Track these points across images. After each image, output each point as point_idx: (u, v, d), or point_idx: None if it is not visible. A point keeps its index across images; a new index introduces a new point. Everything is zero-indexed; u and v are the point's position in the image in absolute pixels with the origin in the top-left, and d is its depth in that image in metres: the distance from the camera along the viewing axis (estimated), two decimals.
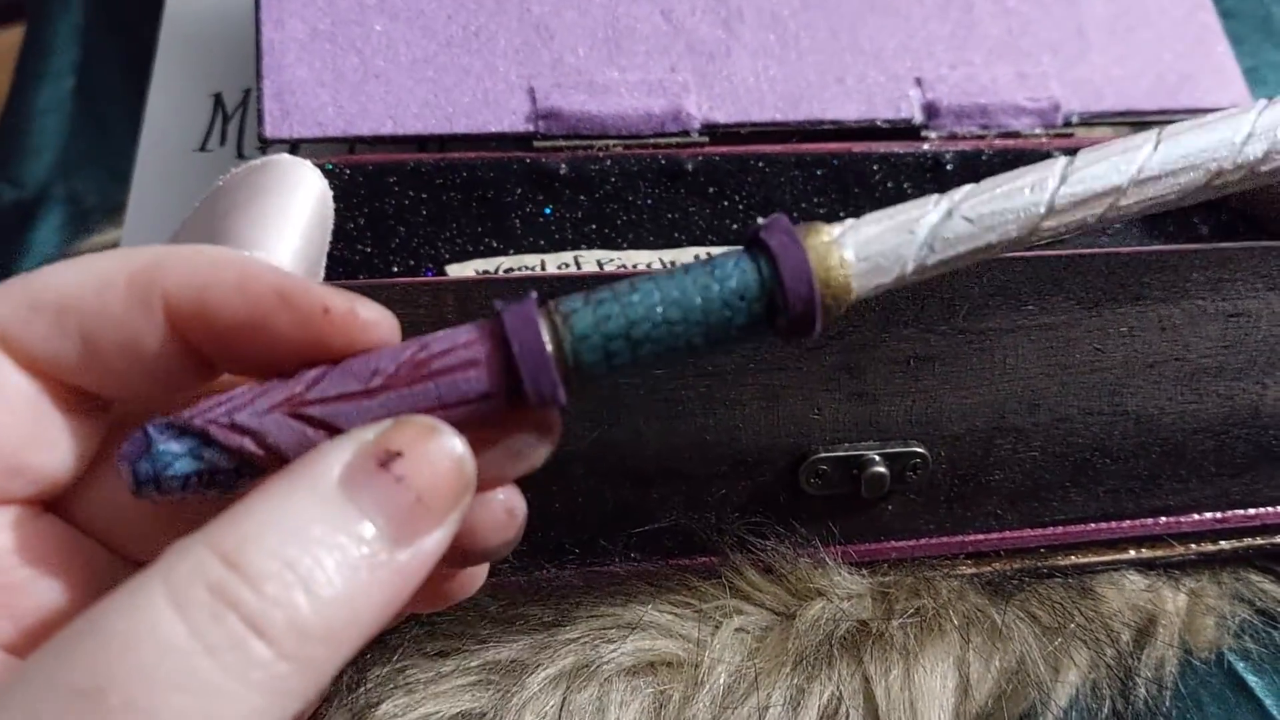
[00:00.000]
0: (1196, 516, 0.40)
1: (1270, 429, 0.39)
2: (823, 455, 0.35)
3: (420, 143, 0.44)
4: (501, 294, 0.32)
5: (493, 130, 0.42)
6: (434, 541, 0.20)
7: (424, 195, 0.42)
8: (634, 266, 0.43)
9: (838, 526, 0.37)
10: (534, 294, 0.23)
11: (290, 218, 0.37)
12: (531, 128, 0.42)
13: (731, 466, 0.35)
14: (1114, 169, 0.26)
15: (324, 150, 0.43)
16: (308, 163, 0.40)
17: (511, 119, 0.42)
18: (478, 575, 0.26)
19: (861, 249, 0.25)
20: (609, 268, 0.43)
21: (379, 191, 0.41)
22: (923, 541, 0.38)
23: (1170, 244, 0.46)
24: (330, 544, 0.19)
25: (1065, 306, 0.35)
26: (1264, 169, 0.26)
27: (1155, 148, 0.26)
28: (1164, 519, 0.40)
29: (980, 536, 0.39)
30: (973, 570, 0.39)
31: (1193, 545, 0.41)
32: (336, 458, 0.20)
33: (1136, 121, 0.48)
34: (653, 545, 0.35)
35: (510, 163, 0.42)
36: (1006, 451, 0.37)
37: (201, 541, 0.18)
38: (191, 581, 0.18)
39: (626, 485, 0.35)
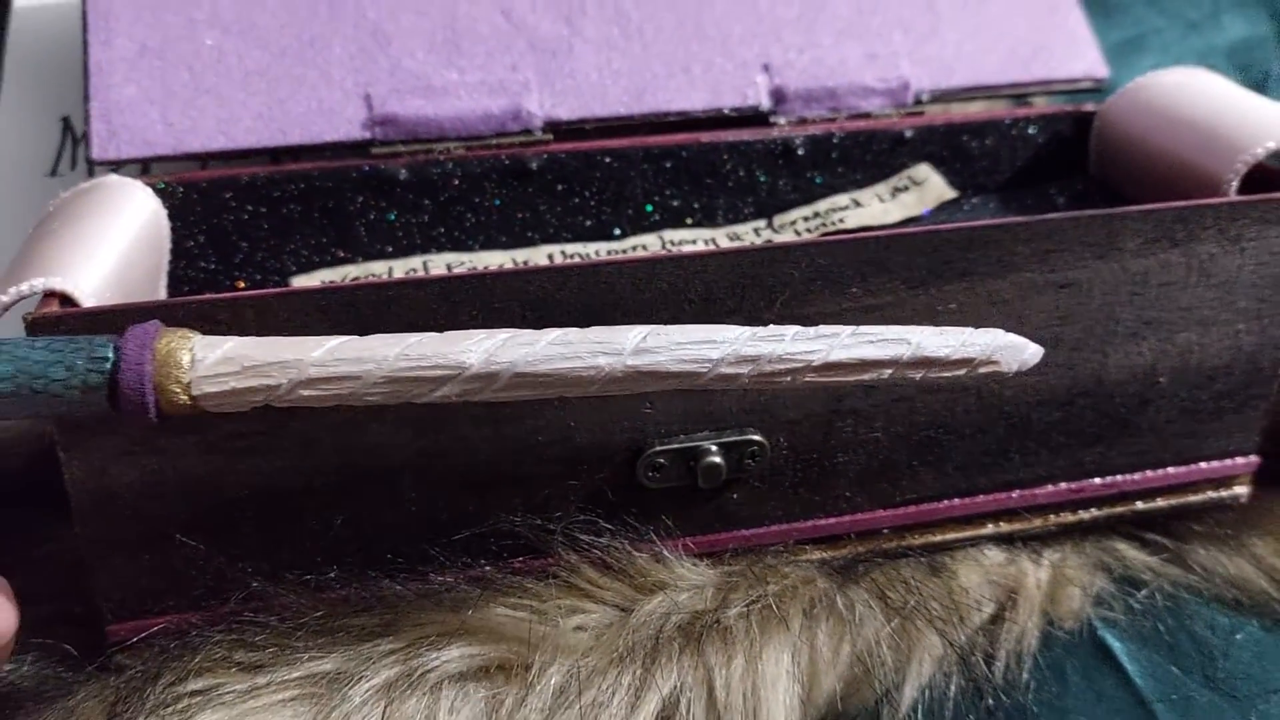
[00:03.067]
0: (1051, 488, 0.40)
1: (1116, 397, 0.39)
2: (658, 449, 0.35)
3: (272, 155, 0.44)
4: (300, 307, 0.31)
5: (328, 139, 0.42)
6: None
7: (263, 209, 0.41)
8: (485, 268, 0.43)
9: (682, 519, 0.37)
10: None
11: (111, 239, 0.36)
12: (368, 134, 0.42)
13: (567, 466, 0.35)
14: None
15: (177, 168, 0.43)
16: (136, 182, 0.40)
17: (347, 127, 0.42)
18: None
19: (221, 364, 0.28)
20: (459, 270, 0.42)
21: (216, 208, 0.41)
22: (770, 529, 0.38)
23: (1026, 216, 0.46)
24: None
25: (891, 287, 0.35)
26: None
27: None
28: (1017, 492, 0.40)
29: (830, 520, 0.39)
30: (824, 555, 0.39)
31: (1051, 517, 0.41)
32: None
33: (989, 96, 0.48)
34: (488, 550, 0.35)
35: (348, 171, 0.42)
36: (848, 434, 0.37)
37: None
38: None
39: (460, 492, 0.35)
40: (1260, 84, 0.67)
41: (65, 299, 0.31)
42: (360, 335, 0.30)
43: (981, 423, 0.38)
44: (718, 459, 0.35)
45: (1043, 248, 0.36)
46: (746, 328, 0.29)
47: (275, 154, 0.43)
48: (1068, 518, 0.41)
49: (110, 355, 0.27)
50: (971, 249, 0.35)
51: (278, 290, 0.31)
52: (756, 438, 0.36)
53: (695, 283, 0.34)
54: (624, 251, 0.44)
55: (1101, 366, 0.38)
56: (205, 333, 0.29)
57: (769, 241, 0.34)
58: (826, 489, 0.38)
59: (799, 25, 0.47)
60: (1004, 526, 0.40)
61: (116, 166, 0.41)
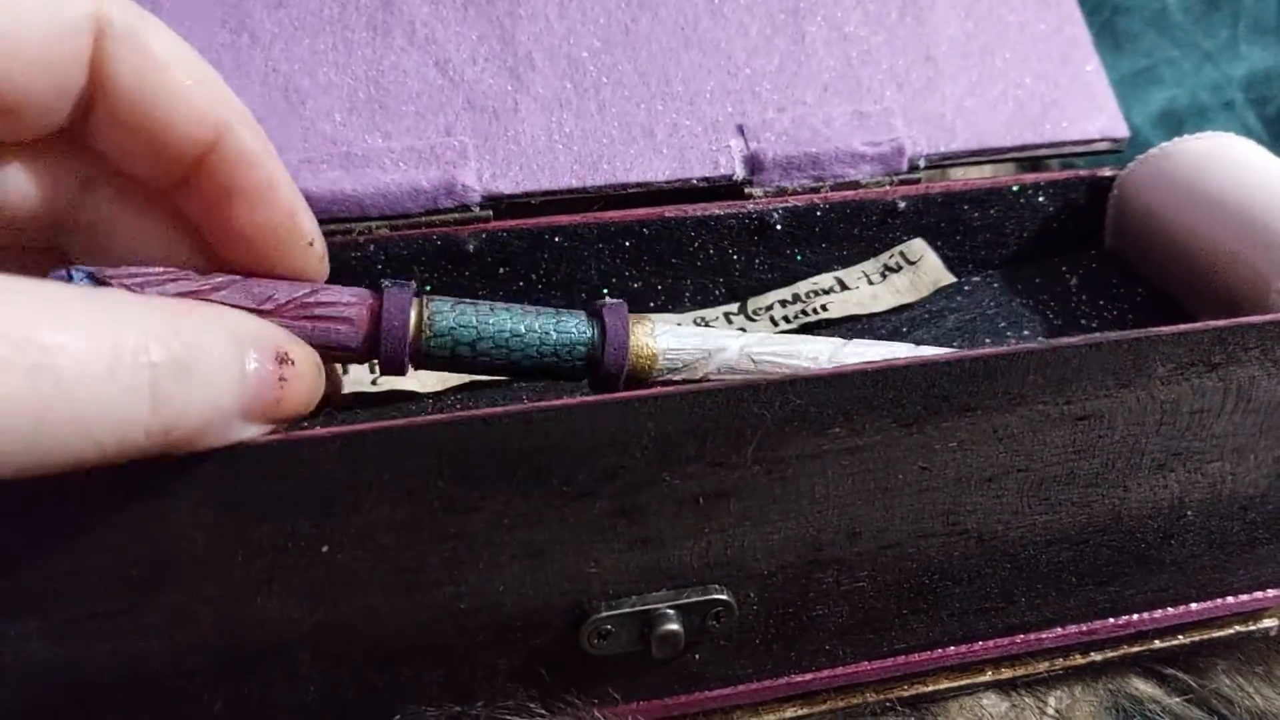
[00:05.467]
0: (1060, 630, 0.35)
1: (1137, 532, 0.34)
2: (605, 614, 0.30)
3: None
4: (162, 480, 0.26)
5: None
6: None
7: None
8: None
9: (633, 684, 0.32)
10: (413, 284, 0.29)
11: None
12: None
13: (496, 634, 0.30)
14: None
15: None
16: None
17: None
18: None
19: (669, 346, 0.32)
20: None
21: None
22: (739, 689, 0.33)
23: (1032, 298, 0.41)
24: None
25: (879, 426, 0.30)
26: None
27: None
28: (1021, 636, 0.35)
29: (808, 676, 0.33)
30: (801, 712, 0.34)
31: (1058, 660, 0.36)
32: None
33: (994, 160, 0.42)
34: None
35: None
36: (829, 584, 0.32)
37: None
38: None
39: (368, 668, 0.29)
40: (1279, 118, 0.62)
41: None
42: (238, 502, 0.25)
43: (982, 566, 0.33)
44: (675, 625, 0.30)
45: (1058, 376, 0.31)
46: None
47: None
48: (1077, 660, 0.36)
49: (589, 330, 0.31)
50: (975, 382, 0.30)
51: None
52: (722, 596, 0.31)
53: (647, 426, 0.28)
54: None
55: (1121, 502, 0.33)
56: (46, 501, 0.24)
57: (735, 379, 0.29)
58: (803, 643, 0.33)
59: (778, 79, 0.41)
60: (1005, 673, 0.35)
61: None
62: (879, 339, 0.38)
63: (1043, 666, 0.36)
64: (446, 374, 0.37)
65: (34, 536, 0.25)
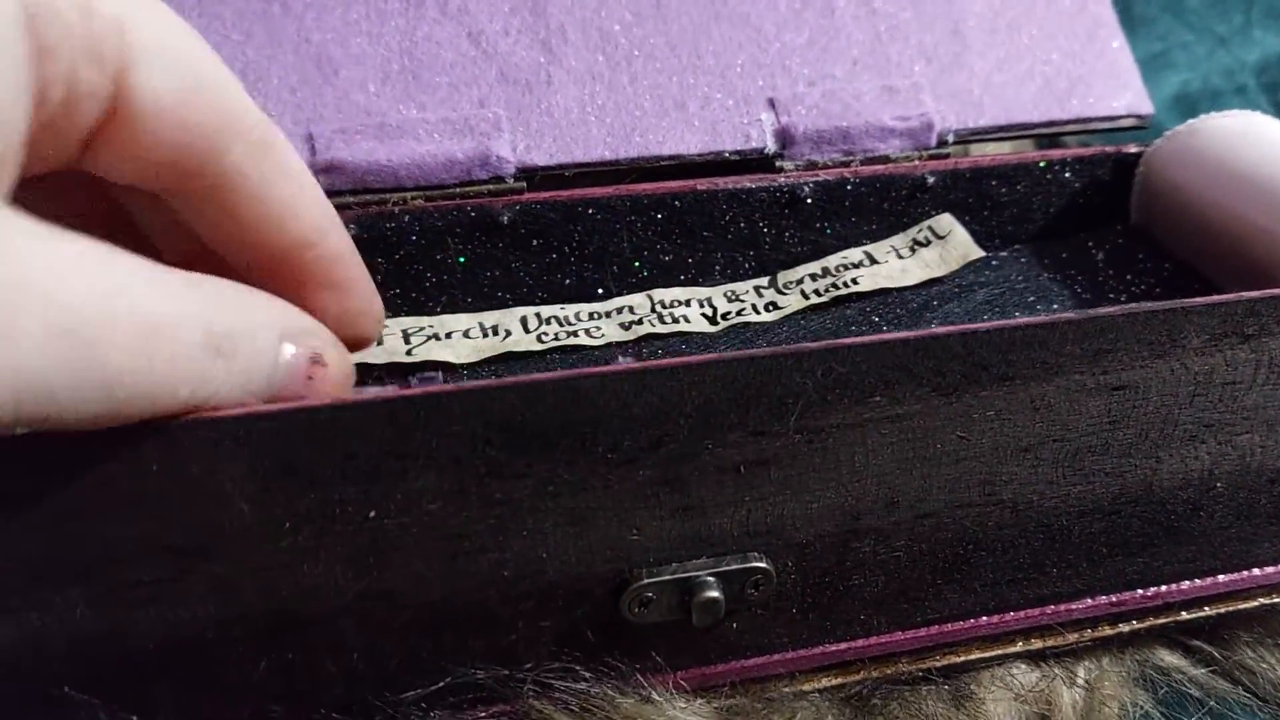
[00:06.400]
0: (1090, 601, 0.35)
1: (1168, 503, 0.34)
2: (647, 581, 0.30)
3: None
4: (210, 438, 0.26)
5: None
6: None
7: None
8: (448, 335, 0.37)
9: (673, 652, 0.32)
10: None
11: None
12: None
13: (539, 602, 0.30)
14: None
15: None
16: None
17: None
18: None
19: None
20: (418, 339, 0.37)
21: None
22: (775, 658, 0.33)
23: (1060, 273, 0.41)
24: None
25: (919, 394, 0.30)
26: None
27: None
28: (1052, 607, 0.35)
29: (842, 646, 0.34)
30: (835, 682, 0.34)
31: (1088, 631, 0.36)
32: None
33: (1020, 135, 0.42)
34: (446, 702, 0.30)
35: None
36: (865, 554, 0.32)
37: None
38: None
39: (412, 635, 0.29)
40: None
41: None
42: (287, 469, 0.25)
43: (1016, 537, 0.33)
44: (716, 593, 0.30)
45: (1095, 347, 0.31)
46: None
47: None
48: (1106, 631, 0.36)
49: None
50: (1013, 351, 0.30)
51: (185, 419, 0.26)
52: (761, 565, 0.31)
53: (691, 395, 0.28)
54: (608, 314, 0.38)
55: (1153, 473, 0.33)
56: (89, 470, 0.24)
57: (778, 348, 0.29)
58: (839, 613, 0.33)
59: (809, 53, 0.41)
60: (1035, 643, 0.36)
61: None
62: (910, 312, 0.39)
63: (1072, 637, 0.36)
64: (481, 344, 0.37)
65: (77, 505, 0.25)
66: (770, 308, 0.39)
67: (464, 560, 0.29)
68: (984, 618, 0.35)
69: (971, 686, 0.35)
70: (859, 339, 0.29)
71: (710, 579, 0.30)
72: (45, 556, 0.26)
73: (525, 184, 0.38)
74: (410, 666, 0.30)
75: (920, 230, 0.41)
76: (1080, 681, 0.36)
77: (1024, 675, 0.36)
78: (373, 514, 0.27)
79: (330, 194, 0.36)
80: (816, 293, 0.39)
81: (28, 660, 0.27)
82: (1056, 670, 0.36)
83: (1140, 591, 0.36)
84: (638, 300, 0.39)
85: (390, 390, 0.27)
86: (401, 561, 0.28)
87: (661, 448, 0.29)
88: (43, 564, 0.26)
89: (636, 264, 0.39)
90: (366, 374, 0.36)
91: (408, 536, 0.28)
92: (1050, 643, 0.36)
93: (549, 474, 0.28)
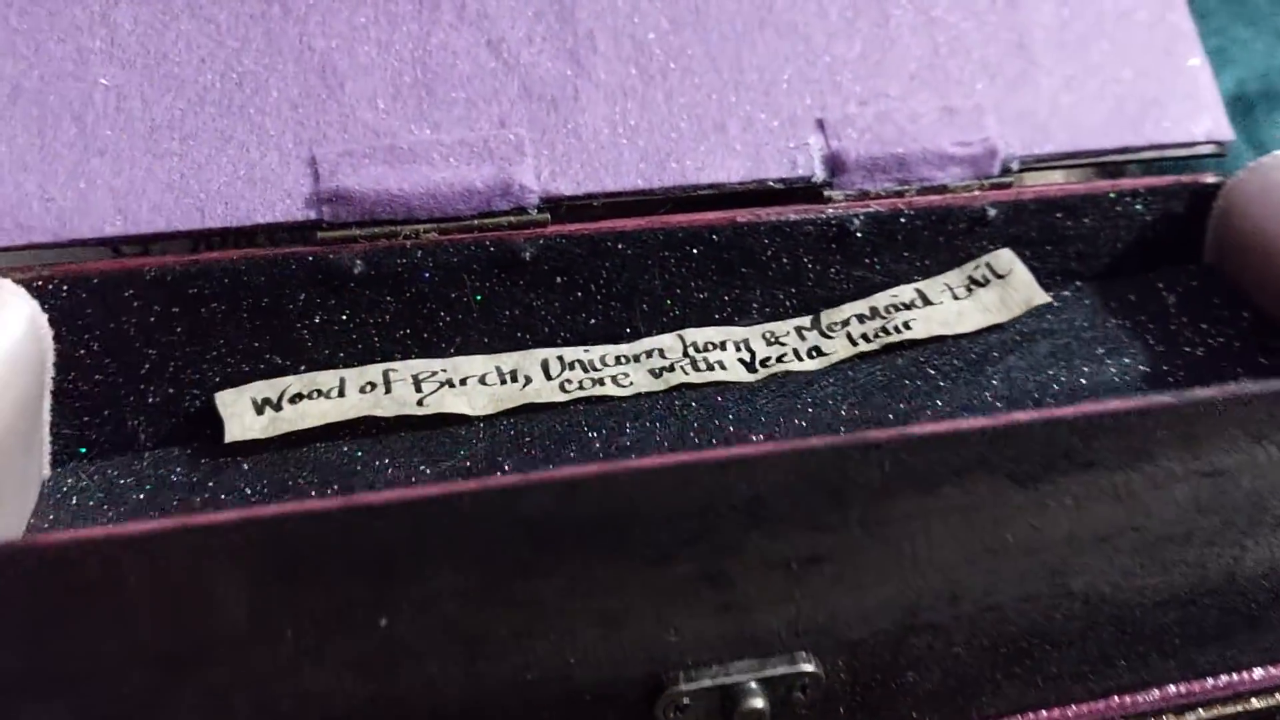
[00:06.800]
0: (1157, 693, 0.33)
1: (1249, 592, 0.31)
2: (684, 687, 0.27)
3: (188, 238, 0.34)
4: (200, 548, 0.22)
5: (261, 221, 0.32)
6: None
7: (175, 309, 0.32)
8: (462, 381, 0.34)
9: None
10: None
11: None
12: (313, 214, 0.33)
13: (564, 706, 0.27)
14: None
15: (59, 256, 0.33)
16: (7, 281, 0.31)
17: (286, 204, 0.32)
18: None
19: None
20: (429, 386, 0.33)
21: (114, 309, 0.32)
22: None
23: (1128, 318, 0.37)
24: None
25: (992, 484, 0.27)
26: None
27: None
28: (1117, 699, 0.32)
29: None
30: None
31: None
32: None
33: (1089, 163, 0.39)
34: None
35: (286, 262, 0.32)
36: (922, 650, 0.29)
37: None
38: None
39: None
40: None
41: None
42: (288, 573, 0.22)
43: (1084, 629, 0.30)
44: (760, 702, 0.27)
45: (1188, 433, 0.28)
46: None
47: (191, 238, 0.33)
48: None
49: None
50: (1100, 437, 0.27)
51: (165, 524, 0.22)
52: (809, 669, 0.28)
53: (741, 488, 0.25)
54: (636, 358, 0.35)
55: (1236, 562, 0.30)
56: (72, 579, 0.21)
57: (841, 437, 0.25)
58: (889, 712, 0.30)
59: (861, 68, 0.37)
60: None
61: None
62: (968, 364, 0.35)
63: None
64: (499, 393, 0.34)
65: (56, 614, 0.22)
66: (814, 353, 0.36)
67: (483, 664, 0.26)
68: (1043, 711, 0.32)
69: None
70: (932, 427, 0.26)
71: (754, 685, 0.27)
72: (25, 668, 0.23)
73: (549, 215, 0.34)
74: None
75: (978, 267, 0.37)
76: None
77: None
78: (384, 619, 0.24)
79: (335, 226, 0.32)
80: (865, 337, 0.36)
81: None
82: None
83: (1210, 682, 0.33)
84: (668, 342, 0.36)
85: (405, 491, 0.24)
86: (415, 666, 0.25)
87: (702, 542, 0.26)
88: (22, 675, 0.23)
89: (668, 302, 0.36)
90: (375, 426, 0.33)
91: (422, 639, 0.25)
92: None
93: (579, 572, 0.25)
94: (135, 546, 0.22)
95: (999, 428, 0.26)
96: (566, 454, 0.32)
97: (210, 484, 0.32)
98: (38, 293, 0.31)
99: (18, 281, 0.31)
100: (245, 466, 0.32)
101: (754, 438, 0.33)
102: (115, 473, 0.32)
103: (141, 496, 0.31)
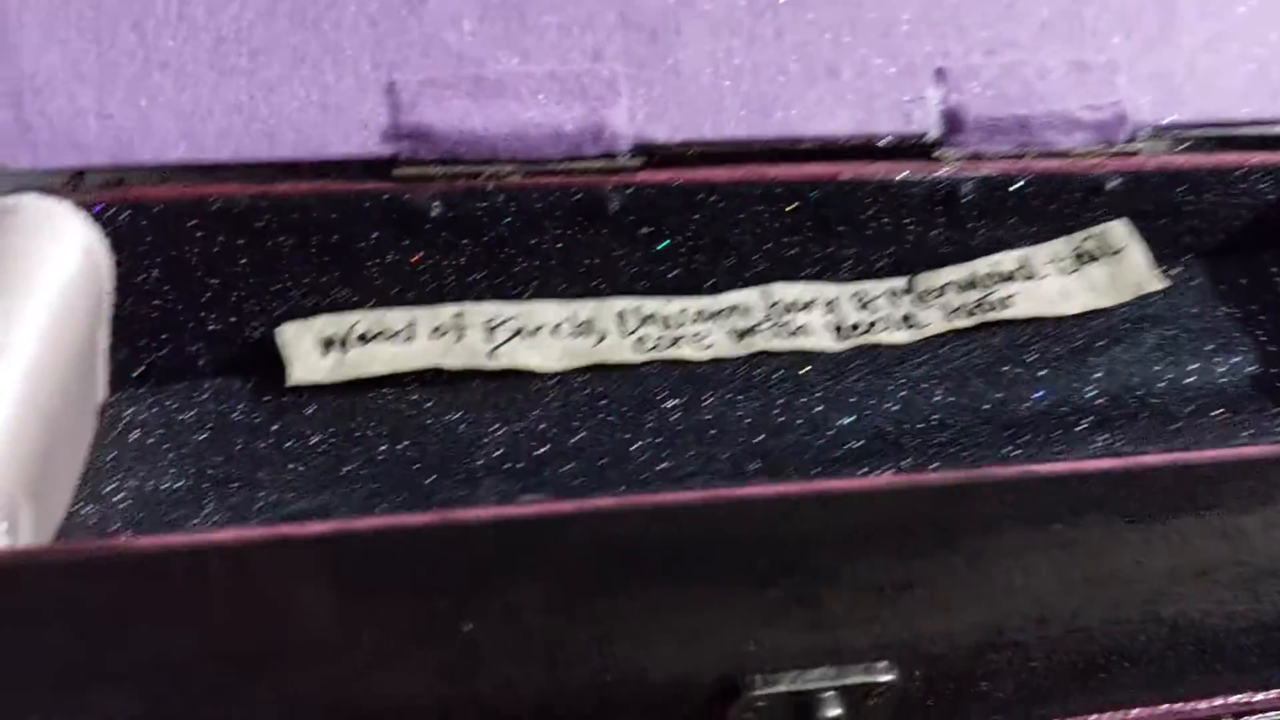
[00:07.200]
0: (1221, 701, 0.32)
1: None
2: (761, 692, 0.26)
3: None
4: (285, 558, 0.21)
5: (334, 154, 0.30)
6: None
7: (241, 240, 0.30)
8: (535, 330, 0.32)
9: None
10: None
11: (34, 289, 0.26)
12: (390, 150, 0.30)
13: (639, 707, 0.27)
14: None
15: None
16: (65, 206, 0.28)
17: (362, 136, 0.30)
18: None
19: None
20: (501, 332, 0.32)
21: (176, 239, 0.30)
22: None
23: (1239, 307, 0.35)
24: None
25: (1106, 522, 0.26)
26: None
27: None
28: (1180, 705, 0.32)
29: None
30: None
31: None
32: None
33: (1222, 136, 0.36)
34: None
35: (360, 200, 0.30)
36: (999, 665, 0.29)
37: None
38: None
39: None
40: None
41: None
42: (372, 586, 0.22)
43: (1165, 649, 0.30)
44: (837, 710, 0.27)
45: None
46: None
47: (260, 169, 0.31)
48: None
49: None
50: (1228, 483, 0.25)
51: (255, 533, 0.21)
52: (889, 679, 0.27)
53: (844, 522, 0.24)
54: (716, 314, 0.33)
55: None
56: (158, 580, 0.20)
57: (962, 473, 0.24)
58: (957, 715, 0.30)
59: (989, 9, 0.34)
60: None
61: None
62: (1070, 352, 0.34)
63: None
64: (572, 347, 0.32)
65: (142, 614, 0.21)
66: (906, 323, 0.34)
67: (562, 669, 0.25)
68: (1109, 713, 0.31)
69: None
70: (1057, 468, 0.25)
71: (831, 693, 0.27)
72: (101, 660, 0.22)
73: (641, 161, 0.31)
74: None
75: (1089, 238, 0.35)
76: None
77: None
78: (466, 627, 0.23)
79: (412, 163, 0.30)
80: (962, 310, 0.34)
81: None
82: None
83: (1275, 693, 0.33)
84: (753, 299, 0.34)
85: (498, 508, 0.23)
86: (493, 670, 0.25)
87: (797, 571, 0.25)
88: (98, 666, 0.22)
89: (755, 257, 0.34)
90: (441, 379, 0.31)
91: (502, 647, 0.24)
92: None
93: (666, 593, 0.24)
94: (223, 554, 0.21)
95: (1127, 470, 0.25)
96: (644, 423, 0.31)
97: (274, 427, 0.30)
98: (95, 218, 0.29)
99: (76, 205, 0.28)
100: (310, 410, 0.31)
101: (842, 421, 0.31)
102: (174, 405, 0.31)
103: (203, 438, 0.30)
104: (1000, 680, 0.29)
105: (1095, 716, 0.31)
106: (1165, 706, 0.32)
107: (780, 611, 0.25)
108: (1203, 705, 0.32)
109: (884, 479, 0.24)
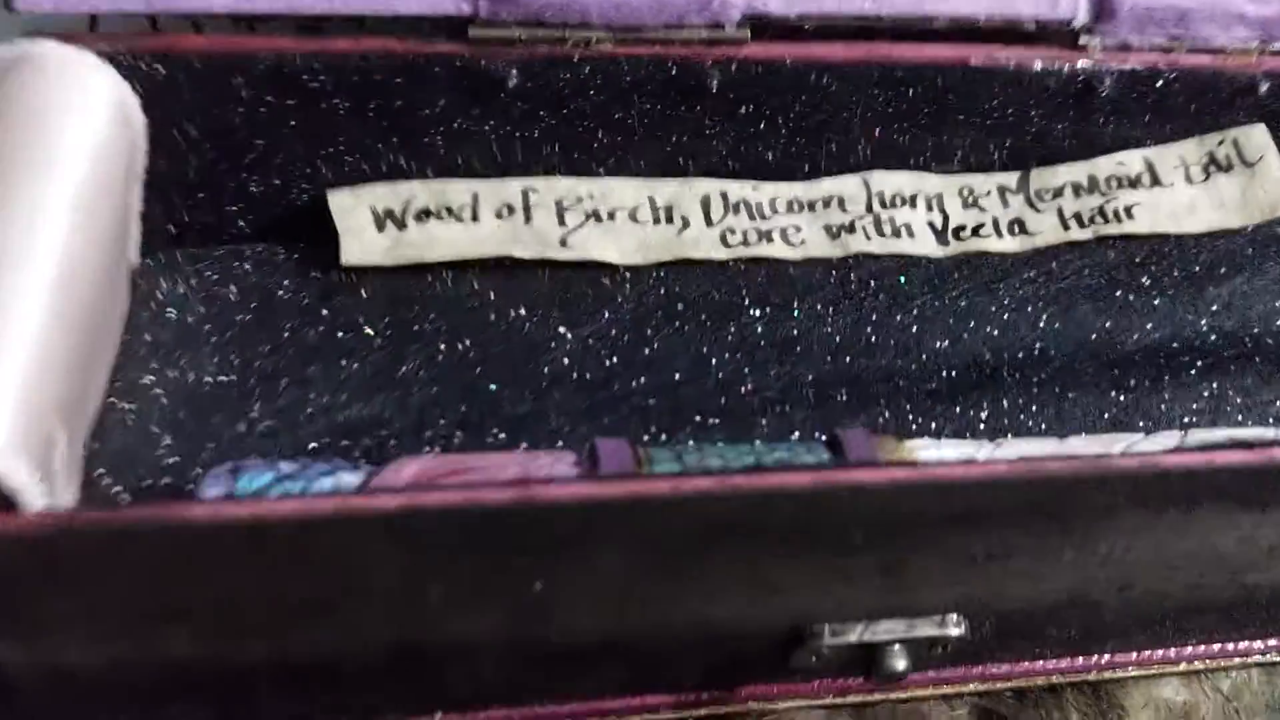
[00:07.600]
0: (1262, 643, 0.32)
1: None
2: (829, 641, 0.26)
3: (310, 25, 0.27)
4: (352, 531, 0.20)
5: (403, 10, 0.26)
6: None
7: (291, 101, 0.27)
8: (610, 215, 0.29)
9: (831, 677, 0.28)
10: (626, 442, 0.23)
11: (61, 158, 0.23)
12: (467, 8, 0.26)
13: (702, 645, 0.26)
14: None
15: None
16: (89, 56, 0.25)
17: None
18: None
19: None
20: (574, 218, 0.29)
21: (217, 96, 0.26)
22: (931, 674, 0.30)
23: None
24: None
25: (1220, 508, 0.24)
26: None
27: None
28: (1219, 645, 0.32)
29: (1005, 668, 0.30)
30: (983, 688, 0.31)
31: (1239, 659, 0.33)
32: None
33: None
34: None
35: (429, 63, 0.26)
36: (1072, 616, 0.28)
37: None
38: None
39: (555, 665, 0.26)
40: None
41: None
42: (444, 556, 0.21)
43: (1230, 606, 0.29)
44: (902, 662, 0.26)
45: None
46: None
47: (315, 24, 0.27)
48: (1258, 659, 0.33)
49: None
50: None
51: (322, 505, 0.19)
52: (958, 632, 0.26)
53: (950, 506, 0.22)
54: (811, 205, 0.30)
55: None
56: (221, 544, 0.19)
57: (1082, 463, 0.21)
58: (1015, 650, 0.29)
59: None
60: (1196, 665, 0.33)
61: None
62: (1189, 277, 0.31)
63: (1236, 662, 0.33)
64: (650, 238, 0.29)
65: (203, 574, 0.20)
66: (1016, 228, 0.31)
67: (631, 617, 0.24)
68: (1159, 651, 0.31)
69: (1117, 694, 0.33)
70: (1182, 460, 0.23)
71: (897, 646, 0.26)
72: (149, 598, 0.21)
73: (748, 35, 0.27)
74: (543, 688, 0.26)
75: (1222, 142, 0.31)
76: (1221, 693, 0.34)
77: (1172, 692, 0.33)
78: (539, 584, 0.22)
79: (491, 24, 0.26)
80: (1078, 219, 0.31)
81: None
82: (1204, 687, 0.34)
83: None
84: (851, 189, 0.31)
85: (586, 484, 0.21)
86: (558, 618, 0.24)
87: (889, 548, 0.23)
88: (145, 603, 0.21)
89: (861, 143, 0.30)
90: (505, 264, 0.28)
91: (572, 602, 0.23)
92: (1205, 667, 0.33)
93: (746, 562, 0.23)
94: (289, 524, 0.19)
95: (1257, 465, 0.23)
96: (724, 334, 0.29)
97: (324, 311, 0.28)
98: (127, 70, 0.25)
99: (103, 56, 0.25)
100: (363, 293, 0.28)
101: (938, 345, 0.29)
102: (214, 276, 0.28)
103: (249, 318, 0.27)
104: (1064, 626, 0.28)
105: (1149, 651, 0.31)
106: (1206, 647, 0.32)
107: (865, 579, 0.24)
108: (1241, 646, 0.32)
109: (997, 468, 0.22)
